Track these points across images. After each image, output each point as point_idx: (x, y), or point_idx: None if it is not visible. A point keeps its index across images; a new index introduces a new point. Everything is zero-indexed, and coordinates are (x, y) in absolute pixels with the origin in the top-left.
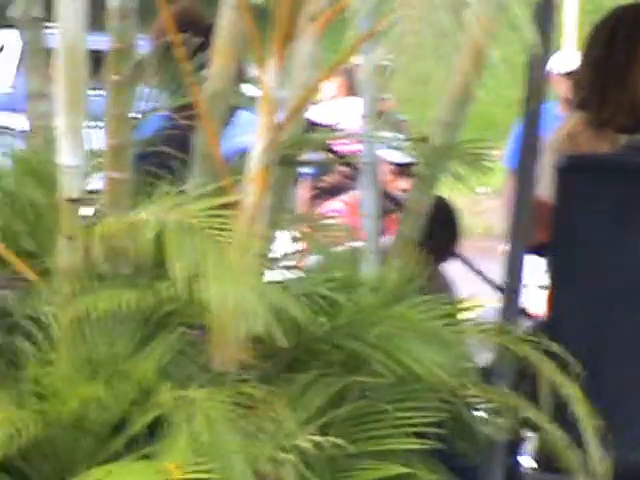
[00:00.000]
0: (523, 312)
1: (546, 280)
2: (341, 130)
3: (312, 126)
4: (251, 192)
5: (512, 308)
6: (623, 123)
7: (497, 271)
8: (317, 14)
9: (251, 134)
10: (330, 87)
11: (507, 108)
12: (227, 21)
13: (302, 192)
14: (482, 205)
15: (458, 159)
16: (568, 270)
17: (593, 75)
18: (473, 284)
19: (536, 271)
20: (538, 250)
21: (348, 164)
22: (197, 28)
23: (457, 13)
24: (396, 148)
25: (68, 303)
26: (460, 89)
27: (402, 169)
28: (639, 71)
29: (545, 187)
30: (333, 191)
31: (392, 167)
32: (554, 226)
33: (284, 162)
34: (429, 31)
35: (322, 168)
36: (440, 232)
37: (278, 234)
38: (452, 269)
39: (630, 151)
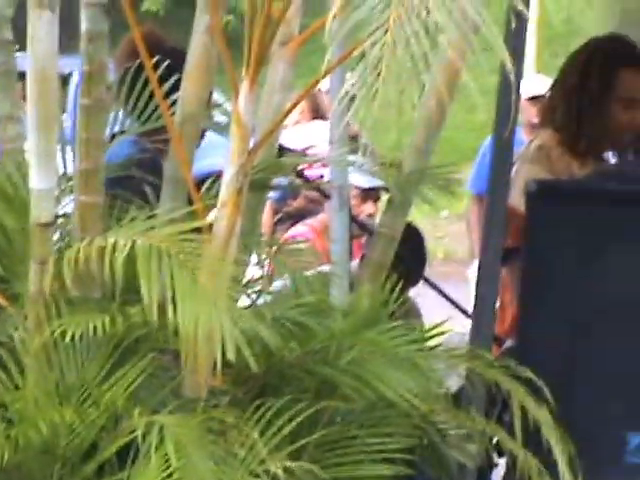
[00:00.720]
0: (493, 337)
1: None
2: (311, 154)
3: (282, 150)
4: (223, 216)
5: (482, 333)
6: (596, 150)
7: (459, 295)
8: (289, 38)
9: (219, 157)
10: (294, 112)
11: (470, 133)
12: (199, 45)
13: (266, 216)
14: (442, 230)
15: (430, 184)
16: (536, 295)
17: (568, 102)
18: (439, 309)
19: None
20: (504, 258)
21: (317, 188)
22: (160, 51)
23: (432, 37)
24: (369, 173)
25: (38, 328)
26: (434, 114)
27: (368, 193)
28: (613, 101)
29: (516, 195)
30: (298, 215)
31: (357, 191)
32: (523, 251)
33: (256, 186)
34: (405, 56)
35: (287, 192)
36: (410, 257)
37: (250, 258)
38: (418, 294)
39: (601, 177)
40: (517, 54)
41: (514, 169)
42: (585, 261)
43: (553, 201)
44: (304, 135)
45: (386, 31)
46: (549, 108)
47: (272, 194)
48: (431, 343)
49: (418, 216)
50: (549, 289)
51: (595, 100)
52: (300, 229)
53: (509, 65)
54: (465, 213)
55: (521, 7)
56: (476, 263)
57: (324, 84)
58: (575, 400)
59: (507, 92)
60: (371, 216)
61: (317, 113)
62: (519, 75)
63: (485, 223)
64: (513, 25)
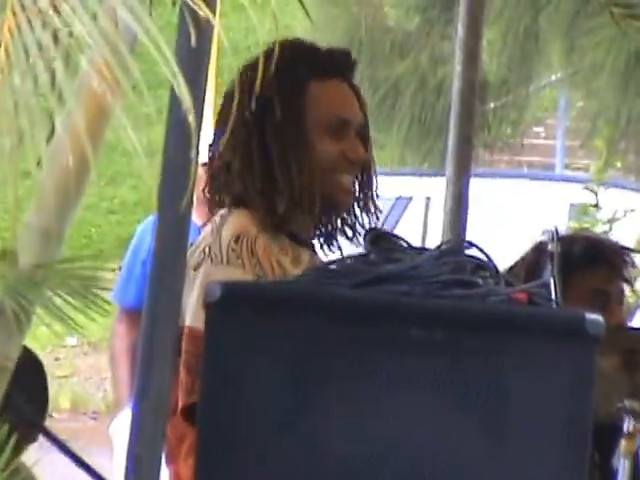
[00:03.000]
0: None
1: None
2: None
3: None
4: None
5: None
6: (304, 222)
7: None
8: None
9: None
10: None
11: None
12: None
13: None
14: (68, 366)
15: (62, 286)
16: (213, 456)
17: (249, 156)
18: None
19: None
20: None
21: None
22: None
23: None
24: None
25: None
26: (71, 175)
27: None
28: (319, 139)
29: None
30: None
31: None
32: (200, 385)
33: None
34: (27, 83)
35: None
36: (26, 400)
37: None
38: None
39: (312, 275)
40: (197, 90)
41: (200, 273)
42: (288, 405)
43: (244, 313)
44: None
45: None
46: (218, 170)
47: None
48: None
49: (31, 343)
50: (227, 449)
51: (298, 144)
52: None
53: (188, 103)
54: (106, 339)
55: (205, 12)
56: (125, 414)
57: None
58: None
59: (180, 147)
60: None
61: None
62: (199, 121)
63: (143, 352)
64: (193, 41)
